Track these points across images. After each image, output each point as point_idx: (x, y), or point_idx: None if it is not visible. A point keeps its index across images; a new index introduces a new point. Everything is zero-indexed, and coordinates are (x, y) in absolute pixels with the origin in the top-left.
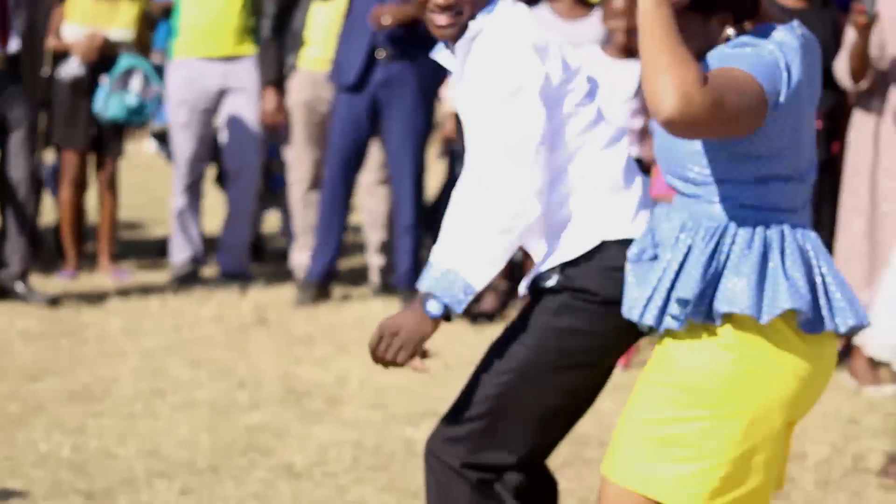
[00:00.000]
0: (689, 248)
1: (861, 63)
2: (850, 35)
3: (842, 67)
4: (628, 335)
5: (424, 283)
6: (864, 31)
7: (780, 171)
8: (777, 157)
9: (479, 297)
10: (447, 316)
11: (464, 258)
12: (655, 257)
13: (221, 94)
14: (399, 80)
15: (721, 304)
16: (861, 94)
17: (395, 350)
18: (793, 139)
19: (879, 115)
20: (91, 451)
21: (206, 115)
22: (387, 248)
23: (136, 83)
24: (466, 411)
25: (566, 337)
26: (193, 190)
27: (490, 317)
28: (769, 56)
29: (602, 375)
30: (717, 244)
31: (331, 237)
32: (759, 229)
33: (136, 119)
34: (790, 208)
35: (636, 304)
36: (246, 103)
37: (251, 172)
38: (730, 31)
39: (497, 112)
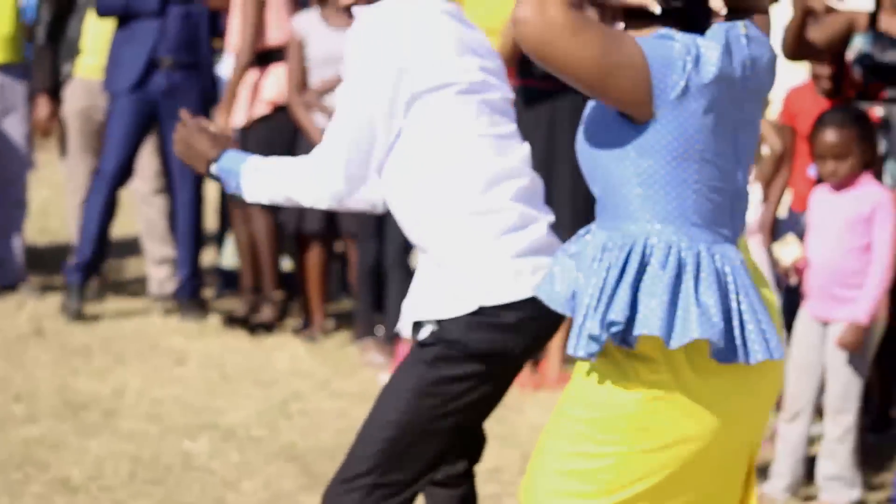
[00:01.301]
0: (608, 269)
1: None
2: None
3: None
4: (515, 364)
5: (224, 158)
6: None
7: (697, 176)
8: (691, 156)
9: (257, 308)
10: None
11: (252, 179)
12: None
13: None
14: (181, 88)
15: (636, 327)
16: None
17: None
18: (711, 140)
19: None
20: None
21: None
22: (165, 258)
23: None
24: (354, 468)
25: (443, 386)
26: None
27: (268, 327)
28: (675, 45)
29: (491, 402)
30: (639, 262)
31: (93, 238)
32: (675, 248)
33: None
34: (712, 224)
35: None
36: (14, 113)
37: (20, 184)
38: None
39: (351, 81)
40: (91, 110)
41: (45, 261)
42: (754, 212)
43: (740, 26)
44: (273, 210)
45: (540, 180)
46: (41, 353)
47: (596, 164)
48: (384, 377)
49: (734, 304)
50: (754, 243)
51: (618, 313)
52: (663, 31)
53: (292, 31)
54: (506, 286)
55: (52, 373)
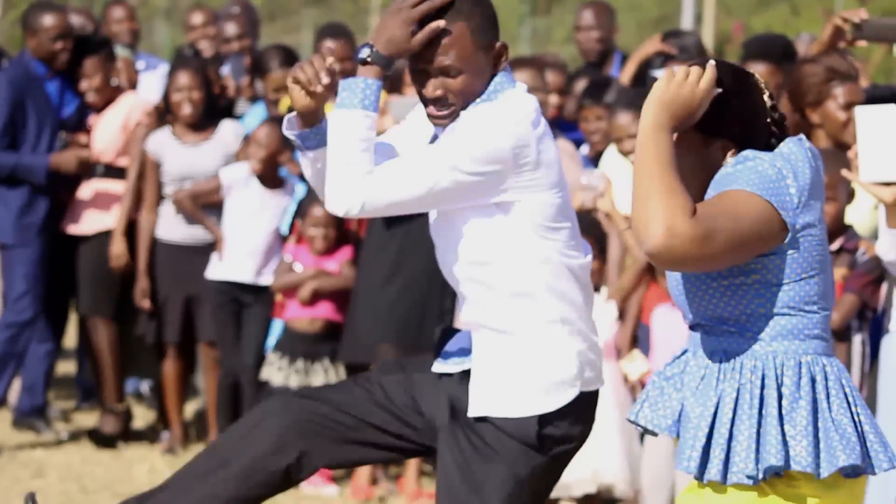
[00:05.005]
0: (738, 392)
1: None
2: None
3: None
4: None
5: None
6: None
7: (817, 288)
8: (810, 276)
9: (102, 420)
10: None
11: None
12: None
13: None
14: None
15: (790, 464)
16: None
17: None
18: (822, 256)
19: None
20: None
21: None
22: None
23: None
24: None
25: (535, 481)
26: None
27: (111, 440)
28: (765, 164)
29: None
30: (772, 390)
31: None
32: (805, 367)
33: None
34: (824, 336)
35: (687, 456)
36: None
37: None
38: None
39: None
40: None
41: None
42: (609, 330)
43: (804, 139)
44: (116, 321)
45: None
46: None
47: (702, 296)
48: None
49: (857, 417)
50: (609, 366)
51: (776, 457)
52: (740, 155)
53: (147, 153)
54: (580, 380)
55: None
